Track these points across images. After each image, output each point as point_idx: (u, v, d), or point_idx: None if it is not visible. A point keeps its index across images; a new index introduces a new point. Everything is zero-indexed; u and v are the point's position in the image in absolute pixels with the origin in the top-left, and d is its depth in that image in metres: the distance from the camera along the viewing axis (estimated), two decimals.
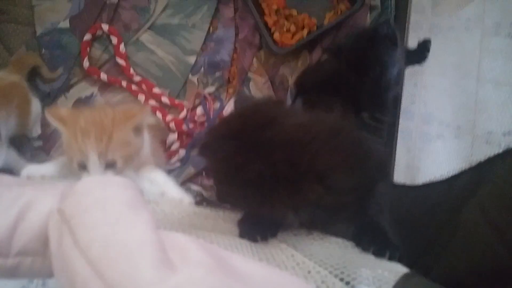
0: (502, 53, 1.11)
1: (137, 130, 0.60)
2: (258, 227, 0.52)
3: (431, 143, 1.13)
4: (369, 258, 0.49)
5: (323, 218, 0.52)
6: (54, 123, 0.58)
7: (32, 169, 0.62)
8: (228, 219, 0.59)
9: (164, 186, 0.61)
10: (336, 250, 0.51)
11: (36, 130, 1.02)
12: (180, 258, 0.32)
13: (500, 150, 1.11)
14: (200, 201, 0.91)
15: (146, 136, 0.65)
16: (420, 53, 0.86)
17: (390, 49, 0.74)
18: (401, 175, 1.03)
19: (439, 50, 1.02)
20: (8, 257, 0.37)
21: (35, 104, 0.98)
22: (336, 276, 0.41)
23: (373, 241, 0.50)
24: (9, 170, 0.94)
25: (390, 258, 0.48)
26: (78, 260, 0.31)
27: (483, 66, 1.13)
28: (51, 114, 0.58)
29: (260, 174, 0.44)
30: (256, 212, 0.52)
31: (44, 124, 1.03)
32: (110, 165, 0.58)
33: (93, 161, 0.56)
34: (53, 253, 0.35)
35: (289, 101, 1.02)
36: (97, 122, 0.57)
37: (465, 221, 0.54)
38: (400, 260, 0.48)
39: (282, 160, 0.44)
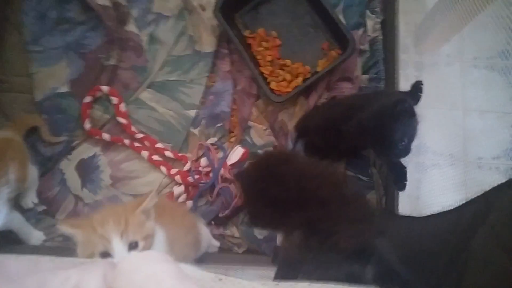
0: (482, 84, 1.20)
1: (147, 214, 0.65)
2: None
3: (427, 172, 1.18)
4: None
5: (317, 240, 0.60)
6: (69, 231, 0.61)
7: None
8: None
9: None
10: None
11: (33, 199, 1.00)
12: None
13: (491, 174, 1.17)
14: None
15: (161, 236, 0.67)
16: (414, 94, 0.92)
17: (409, 121, 0.81)
18: (405, 206, 1.05)
19: (426, 85, 1.09)
20: None
21: (32, 170, 0.96)
22: None
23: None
24: (14, 234, 0.92)
25: None
26: None
27: (466, 97, 1.21)
28: (64, 224, 0.61)
29: (276, 197, 0.59)
30: (275, 231, 0.66)
31: (45, 189, 1.02)
32: (132, 247, 0.60)
33: (116, 243, 0.58)
34: None
35: (290, 145, 1.05)
36: (112, 212, 0.62)
37: (477, 248, 0.56)
38: None
39: (293, 187, 0.59)
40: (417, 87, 0.92)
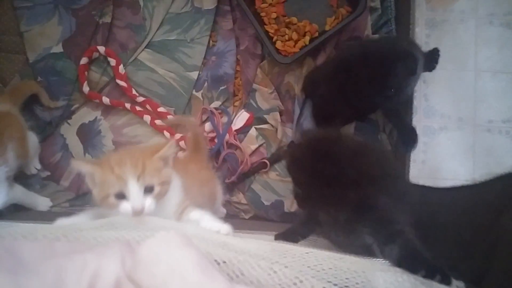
0: (497, 42, 1.14)
1: (165, 161, 0.64)
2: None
3: (435, 136, 1.16)
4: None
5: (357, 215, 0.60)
6: (86, 168, 0.60)
7: (63, 222, 0.61)
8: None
9: (201, 222, 0.62)
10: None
11: (35, 165, 0.98)
12: None
13: (501, 137, 1.15)
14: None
15: (177, 183, 0.66)
16: (430, 62, 0.87)
17: (409, 78, 0.80)
18: (412, 170, 1.04)
19: (436, 44, 1.03)
20: None
21: (31, 137, 0.93)
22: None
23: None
24: (20, 206, 0.92)
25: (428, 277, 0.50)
26: None
27: (479, 56, 1.16)
28: (81, 162, 0.60)
29: (329, 177, 0.58)
30: (325, 212, 0.64)
31: (48, 154, 1.00)
32: (148, 191, 0.59)
33: (132, 185, 0.57)
34: None
35: (297, 109, 1.02)
36: (129, 154, 0.61)
37: (506, 225, 0.55)
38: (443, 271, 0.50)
39: (347, 166, 0.58)
40: (433, 56, 0.87)
